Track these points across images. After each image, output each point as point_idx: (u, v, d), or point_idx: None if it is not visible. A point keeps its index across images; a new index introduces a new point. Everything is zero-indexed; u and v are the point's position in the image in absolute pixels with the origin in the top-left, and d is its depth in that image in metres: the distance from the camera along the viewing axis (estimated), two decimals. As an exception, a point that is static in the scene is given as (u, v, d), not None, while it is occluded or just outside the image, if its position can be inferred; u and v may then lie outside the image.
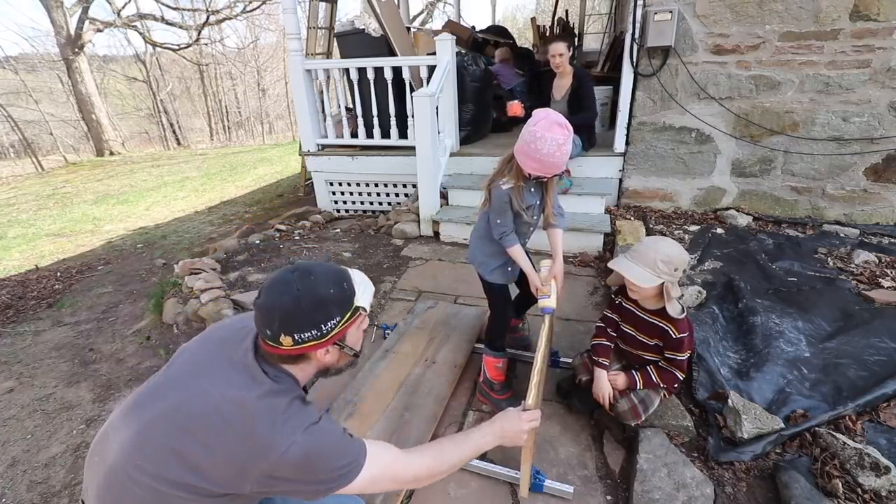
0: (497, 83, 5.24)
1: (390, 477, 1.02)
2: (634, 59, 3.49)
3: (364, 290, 1.02)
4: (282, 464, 0.88)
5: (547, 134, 1.48)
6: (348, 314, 0.97)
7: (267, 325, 0.93)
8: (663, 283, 1.46)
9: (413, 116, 3.84)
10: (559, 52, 3.48)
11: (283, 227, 4.28)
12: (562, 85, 3.64)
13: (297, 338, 0.92)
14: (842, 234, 3.26)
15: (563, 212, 1.89)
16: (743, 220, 3.49)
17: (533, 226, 1.83)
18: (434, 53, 3.99)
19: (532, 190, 1.71)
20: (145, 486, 0.88)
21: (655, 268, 1.45)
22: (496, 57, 5.69)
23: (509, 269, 1.88)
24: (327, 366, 1.04)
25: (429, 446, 1.18)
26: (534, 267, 1.82)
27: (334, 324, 0.95)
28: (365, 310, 1.02)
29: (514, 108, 3.65)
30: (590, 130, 3.74)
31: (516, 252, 1.76)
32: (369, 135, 4.40)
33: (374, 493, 1.03)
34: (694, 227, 3.47)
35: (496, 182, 1.69)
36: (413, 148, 3.74)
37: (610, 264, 1.58)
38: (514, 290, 2.07)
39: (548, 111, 1.54)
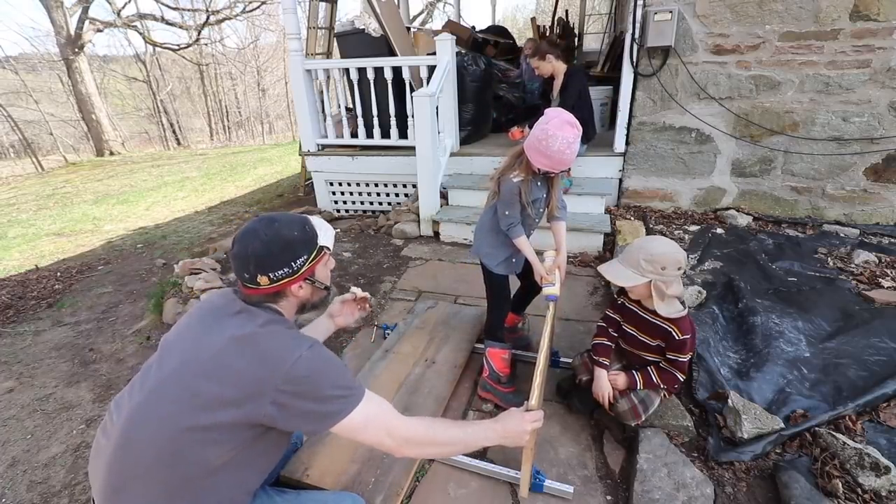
0: (514, 79, 5.21)
1: (385, 425, 1.05)
2: (634, 59, 3.49)
3: (324, 232, 1.14)
4: (292, 376, 0.94)
5: (558, 133, 1.55)
6: (314, 252, 1.10)
7: (244, 269, 1.04)
8: (651, 282, 1.47)
9: (413, 116, 3.84)
10: (536, 67, 3.81)
11: (283, 227, 4.26)
12: (556, 84, 3.79)
13: (272, 276, 1.04)
14: (842, 234, 3.26)
15: (566, 205, 1.97)
16: (743, 220, 3.49)
17: (537, 218, 1.89)
18: (434, 53, 3.99)
19: (539, 184, 1.78)
20: (161, 441, 0.92)
21: (639, 267, 1.47)
22: (528, 48, 4.94)
23: (514, 260, 1.94)
24: (304, 300, 1.15)
25: (426, 418, 1.20)
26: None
27: (303, 261, 1.08)
28: (328, 249, 1.15)
29: (515, 133, 4.18)
30: (584, 124, 3.77)
31: (522, 242, 1.82)
32: (369, 135, 4.40)
33: (367, 440, 1.04)
34: (694, 227, 3.47)
35: (506, 175, 1.74)
36: (413, 148, 3.74)
37: (599, 268, 1.63)
38: (514, 288, 2.09)
39: (559, 111, 1.60)
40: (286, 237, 1.05)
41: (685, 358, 1.56)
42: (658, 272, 1.46)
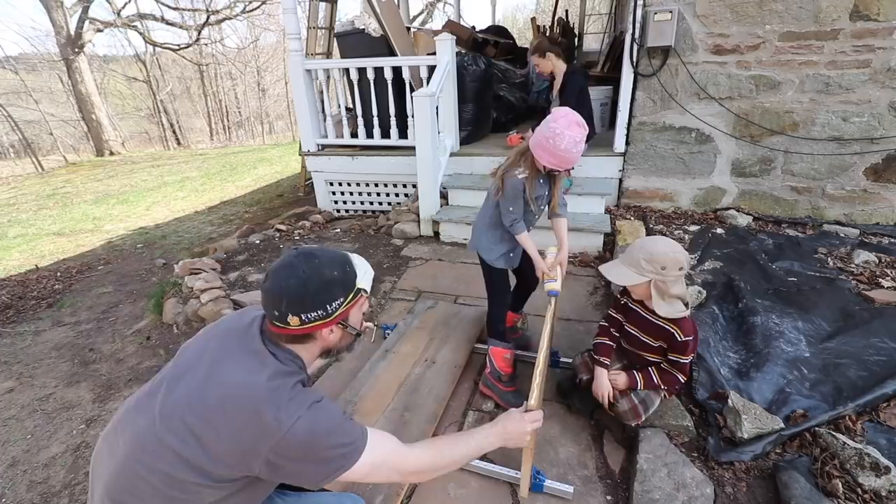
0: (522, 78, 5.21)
1: (391, 466, 1.02)
2: (634, 59, 3.49)
3: (364, 273, 1.07)
4: (287, 440, 0.89)
5: (567, 132, 1.57)
6: (351, 295, 1.02)
7: (275, 306, 0.96)
8: (651, 282, 1.47)
9: (413, 116, 3.84)
10: (536, 64, 3.81)
11: (283, 227, 4.28)
12: (557, 84, 3.80)
13: (304, 318, 0.96)
14: (842, 234, 3.26)
15: (567, 202, 2.00)
16: (743, 220, 3.49)
17: (538, 215, 1.91)
18: (434, 53, 3.99)
19: (542, 181, 1.80)
20: (160, 474, 0.89)
21: (639, 266, 1.48)
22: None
23: (511, 255, 1.97)
24: (331, 346, 1.07)
25: (430, 441, 1.19)
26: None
27: (339, 304, 1.00)
28: (366, 292, 1.07)
29: (513, 139, 4.23)
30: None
31: (525, 238, 1.85)
32: (369, 135, 4.40)
33: (375, 481, 1.04)
34: (694, 227, 3.47)
35: (511, 172, 1.76)
36: (413, 148, 3.74)
37: (600, 268, 1.64)
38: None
39: (567, 111, 1.63)
40: (325, 276, 0.97)
41: (687, 359, 1.56)
42: (658, 272, 1.46)
